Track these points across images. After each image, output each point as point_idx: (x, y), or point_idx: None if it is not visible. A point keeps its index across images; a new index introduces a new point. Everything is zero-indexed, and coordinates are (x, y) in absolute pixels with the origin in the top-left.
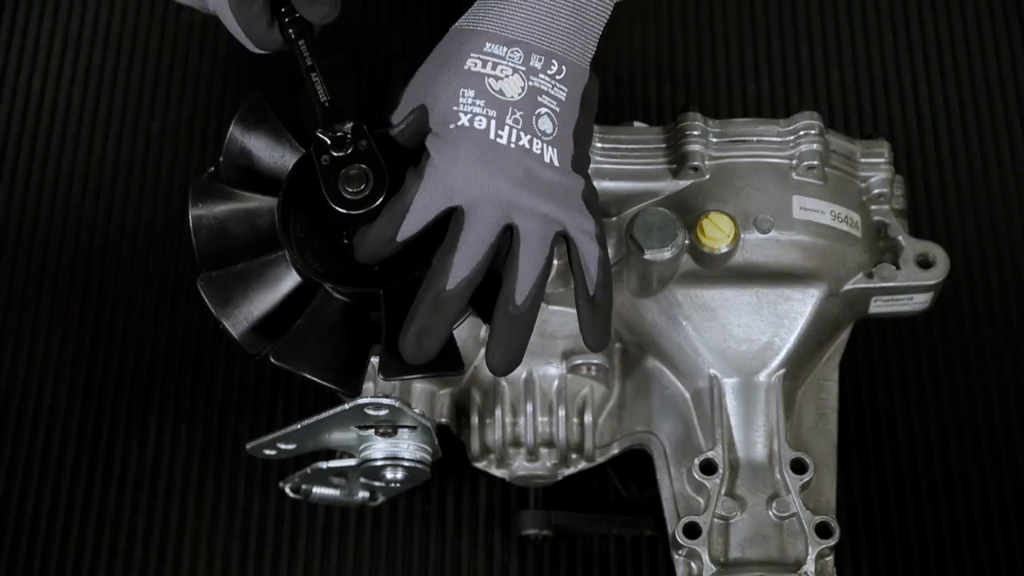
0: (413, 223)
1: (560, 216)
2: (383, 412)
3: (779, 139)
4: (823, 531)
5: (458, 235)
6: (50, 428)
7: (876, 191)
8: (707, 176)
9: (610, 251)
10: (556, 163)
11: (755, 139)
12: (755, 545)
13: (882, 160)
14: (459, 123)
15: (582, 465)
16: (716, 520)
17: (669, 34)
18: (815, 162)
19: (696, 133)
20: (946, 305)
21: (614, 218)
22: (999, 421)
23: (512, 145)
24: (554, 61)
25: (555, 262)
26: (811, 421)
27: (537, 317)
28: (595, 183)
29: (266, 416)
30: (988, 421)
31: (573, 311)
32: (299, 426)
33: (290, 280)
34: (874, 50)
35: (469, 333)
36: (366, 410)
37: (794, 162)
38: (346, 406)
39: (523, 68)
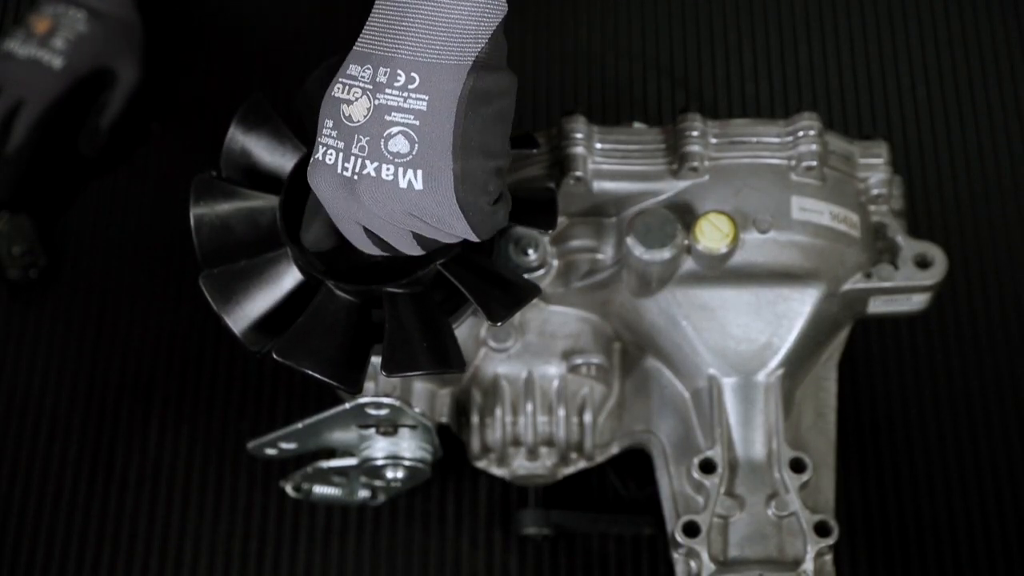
0: (364, 245)
1: (413, 225)
2: (384, 411)
3: (778, 140)
4: (822, 530)
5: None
6: (52, 427)
7: (875, 191)
8: (706, 177)
9: (609, 251)
10: (417, 187)
11: (754, 140)
12: (754, 544)
13: (880, 160)
14: (316, 156)
15: (582, 464)
16: (715, 519)
17: (669, 34)
18: (814, 163)
19: (695, 134)
20: (944, 305)
21: (614, 218)
22: (997, 420)
23: (355, 176)
24: (401, 71)
25: (554, 262)
26: (810, 420)
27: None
28: (595, 184)
29: (267, 415)
30: (986, 420)
31: (573, 311)
32: (300, 425)
33: (292, 278)
34: (873, 51)
35: (469, 333)
36: (367, 409)
37: (793, 163)
38: (347, 405)
39: (370, 86)
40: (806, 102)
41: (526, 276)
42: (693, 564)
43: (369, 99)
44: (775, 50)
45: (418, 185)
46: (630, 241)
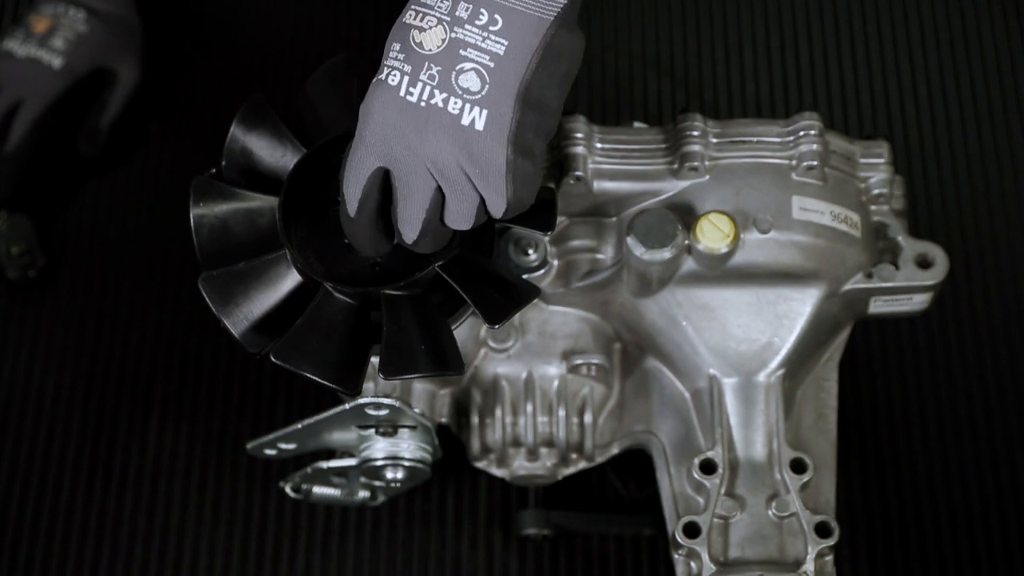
0: (353, 188)
1: (448, 174)
2: (383, 412)
3: (779, 139)
4: (822, 531)
5: (396, 196)
6: (51, 427)
7: (876, 191)
8: (707, 176)
9: (610, 251)
10: (478, 127)
11: (755, 139)
12: (755, 544)
13: (882, 160)
14: (379, 77)
15: (582, 465)
16: (716, 520)
17: (669, 34)
18: (815, 162)
19: (696, 133)
20: (945, 305)
21: (614, 218)
22: (998, 420)
23: (423, 104)
24: (485, 11)
25: (554, 262)
26: (810, 421)
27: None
28: (595, 183)
29: (266, 416)
30: (987, 420)
31: (573, 311)
32: (300, 426)
33: (291, 279)
34: (874, 50)
35: (469, 333)
36: (367, 410)
37: (794, 162)
38: (347, 406)
39: (448, 18)
40: (807, 102)
41: (526, 276)
42: (694, 565)
43: (445, 30)
44: (775, 50)
45: (479, 125)
46: (630, 241)
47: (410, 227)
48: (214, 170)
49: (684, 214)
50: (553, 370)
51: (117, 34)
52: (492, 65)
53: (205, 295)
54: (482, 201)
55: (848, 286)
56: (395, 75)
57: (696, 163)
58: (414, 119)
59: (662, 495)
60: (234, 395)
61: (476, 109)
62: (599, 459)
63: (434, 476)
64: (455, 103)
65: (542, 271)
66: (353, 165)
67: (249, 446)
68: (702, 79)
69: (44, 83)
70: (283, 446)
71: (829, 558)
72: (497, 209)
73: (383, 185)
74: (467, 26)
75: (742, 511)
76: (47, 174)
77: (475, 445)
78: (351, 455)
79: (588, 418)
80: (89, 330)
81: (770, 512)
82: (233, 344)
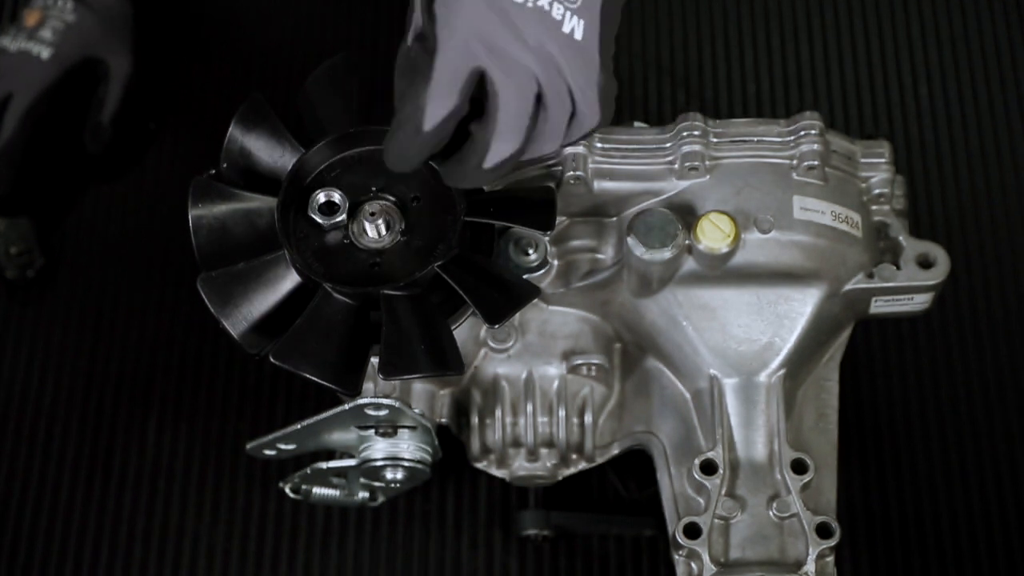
0: (441, 93)
1: (551, 80)
2: (383, 412)
3: (779, 139)
4: (824, 531)
5: (495, 102)
6: (50, 427)
7: (877, 191)
8: (707, 176)
9: (610, 251)
10: (578, 36)
11: (755, 139)
12: (755, 545)
13: (883, 160)
14: None
15: (582, 465)
16: (716, 520)
17: (669, 34)
18: (815, 162)
19: (696, 133)
20: (946, 304)
21: (614, 218)
22: (999, 420)
23: (529, 4)
24: None
25: (554, 262)
26: (811, 421)
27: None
28: (595, 183)
29: (266, 416)
30: (988, 420)
31: (573, 311)
32: (299, 426)
33: (290, 280)
34: (874, 50)
35: (469, 333)
36: (366, 410)
37: (794, 162)
38: (346, 406)
39: None
40: (807, 101)
41: (526, 276)
42: (694, 566)
43: None
44: (776, 49)
45: (579, 34)
46: (631, 241)
47: (510, 138)
48: (212, 172)
49: (684, 214)
50: (553, 370)
51: (107, 24)
52: None
53: (204, 296)
54: (569, 119)
55: (849, 286)
56: None
57: (696, 163)
58: (520, 17)
59: (662, 496)
60: (234, 395)
61: (575, 18)
62: (599, 459)
63: (434, 476)
64: (558, 9)
65: (542, 271)
66: (443, 68)
67: (248, 447)
68: (702, 79)
69: (32, 74)
70: (282, 446)
71: (830, 559)
72: (587, 125)
73: (474, 95)
74: None
75: (743, 512)
76: (46, 174)
77: (475, 445)
78: (351, 456)
79: (588, 418)
80: (88, 330)
81: (771, 513)
82: (232, 344)
